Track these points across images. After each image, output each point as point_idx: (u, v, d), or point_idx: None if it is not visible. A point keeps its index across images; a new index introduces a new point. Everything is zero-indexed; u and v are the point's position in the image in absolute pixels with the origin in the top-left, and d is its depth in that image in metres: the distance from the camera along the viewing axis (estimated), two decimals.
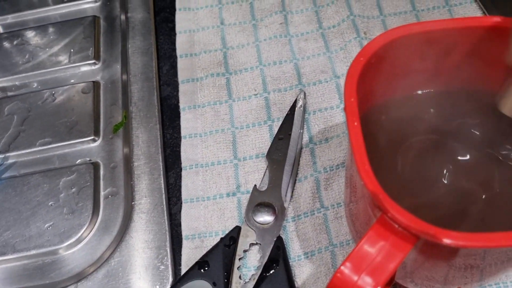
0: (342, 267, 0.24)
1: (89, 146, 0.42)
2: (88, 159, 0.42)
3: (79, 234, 0.38)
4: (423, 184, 0.31)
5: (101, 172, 0.41)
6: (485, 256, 0.27)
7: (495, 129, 0.31)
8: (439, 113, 0.32)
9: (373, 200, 0.24)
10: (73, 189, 0.39)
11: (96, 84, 0.45)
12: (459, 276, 0.30)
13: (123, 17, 0.50)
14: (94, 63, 0.47)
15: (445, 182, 0.31)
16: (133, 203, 0.39)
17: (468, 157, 0.31)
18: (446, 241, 0.23)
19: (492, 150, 0.31)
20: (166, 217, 0.39)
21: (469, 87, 0.31)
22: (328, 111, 0.42)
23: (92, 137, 0.42)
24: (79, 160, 0.42)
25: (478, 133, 0.32)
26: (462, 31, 0.28)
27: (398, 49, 0.29)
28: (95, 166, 0.41)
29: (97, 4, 0.51)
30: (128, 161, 0.41)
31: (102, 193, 0.40)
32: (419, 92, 0.33)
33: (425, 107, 0.33)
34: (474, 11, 0.47)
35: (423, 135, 0.32)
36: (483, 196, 0.30)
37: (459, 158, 0.31)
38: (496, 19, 0.28)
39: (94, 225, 0.38)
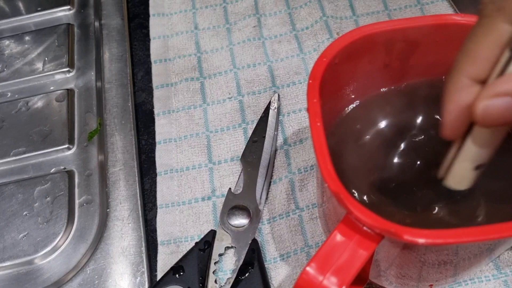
0: (307, 268, 0.24)
1: (64, 155, 0.42)
2: (62, 167, 0.41)
3: (54, 243, 0.37)
4: (395, 179, 0.31)
5: (76, 180, 0.41)
6: (458, 250, 0.27)
7: None
8: (407, 109, 0.32)
9: (336, 200, 0.24)
10: (48, 198, 0.39)
11: (70, 92, 0.45)
12: (433, 272, 0.30)
13: (97, 24, 0.49)
14: (68, 71, 0.47)
15: (418, 174, 0.31)
16: (108, 210, 0.39)
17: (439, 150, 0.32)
18: (409, 238, 0.23)
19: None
20: (141, 223, 0.38)
21: (434, 83, 0.32)
22: (302, 112, 0.42)
23: (66, 145, 0.42)
24: (53, 169, 0.41)
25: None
26: (423, 29, 0.29)
27: (362, 48, 0.29)
28: (70, 174, 0.40)
29: (71, 12, 0.51)
30: (103, 168, 0.41)
31: (77, 201, 0.39)
32: (390, 88, 0.33)
33: (393, 103, 0.33)
34: (445, 9, 0.47)
35: (393, 130, 0.32)
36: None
37: (430, 150, 0.31)
38: (456, 17, 0.28)
39: (69, 233, 0.38)
